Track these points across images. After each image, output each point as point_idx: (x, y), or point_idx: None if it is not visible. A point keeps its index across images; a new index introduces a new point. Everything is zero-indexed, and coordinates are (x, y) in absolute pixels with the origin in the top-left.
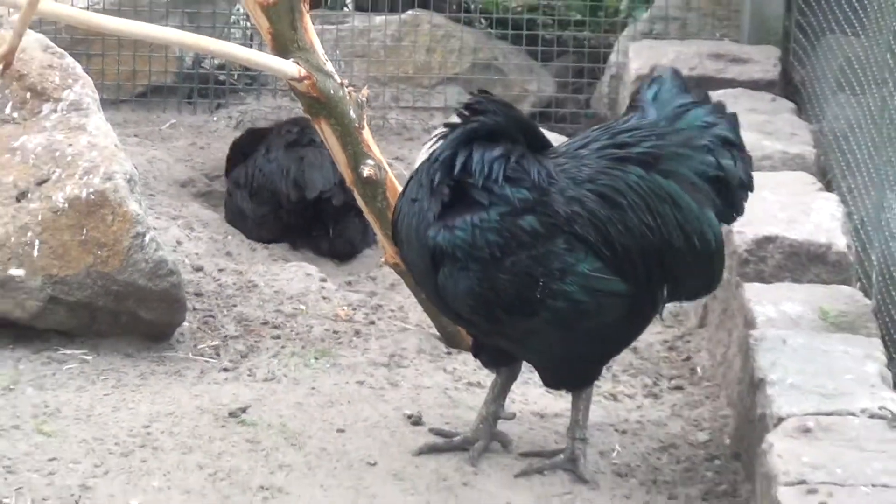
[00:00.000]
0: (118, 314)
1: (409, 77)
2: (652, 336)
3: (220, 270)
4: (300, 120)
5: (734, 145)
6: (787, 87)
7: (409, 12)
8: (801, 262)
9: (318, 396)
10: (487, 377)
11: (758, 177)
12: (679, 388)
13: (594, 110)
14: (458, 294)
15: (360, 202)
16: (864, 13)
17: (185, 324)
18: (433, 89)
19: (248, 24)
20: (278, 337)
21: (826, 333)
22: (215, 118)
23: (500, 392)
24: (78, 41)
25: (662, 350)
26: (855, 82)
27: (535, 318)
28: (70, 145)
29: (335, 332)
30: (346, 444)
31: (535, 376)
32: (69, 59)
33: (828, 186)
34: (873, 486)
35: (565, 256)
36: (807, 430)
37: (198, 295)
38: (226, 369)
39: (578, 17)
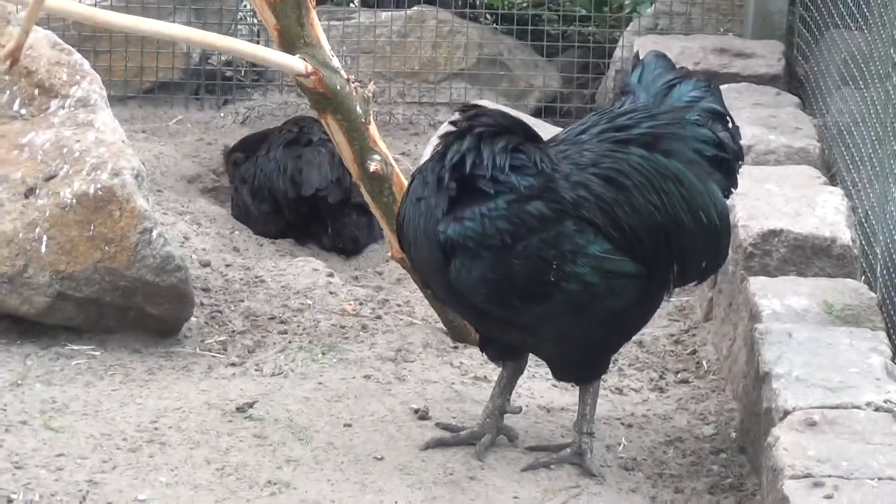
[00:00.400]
0: (126, 310)
1: (415, 73)
2: (658, 330)
3: (228, 266)
4: (300, 120)
5: (723, 116)
6: (791, 81)
7: (415, 8)
8: (805, 256)
9: (325, 391)
10: (494, 371)
11: (762, 170)
12: (685, 381)
13: (599, 105)
14: (472, 283)
15: (366, 197)
16: (867, 8)
17: (193, 319)
18: (439, 85)
19: (255, 21)
20: (285, 332)
21: (831, 327)
22: (222, 114)
23: (506, 386)
24: (86, 38)
25: (668, 344)
26: (859, 76)
27: (548, 303)
28: (78, 141)
29: (342, 326)
30: (353, 438)
31: (542, 370)
32: (77, 56)
33: (832, 180)
34: (879, 479)
35: (576, 238)
36: (812, 424)
37: (205, 290)
38: (233, 364)
39: (583, 12)
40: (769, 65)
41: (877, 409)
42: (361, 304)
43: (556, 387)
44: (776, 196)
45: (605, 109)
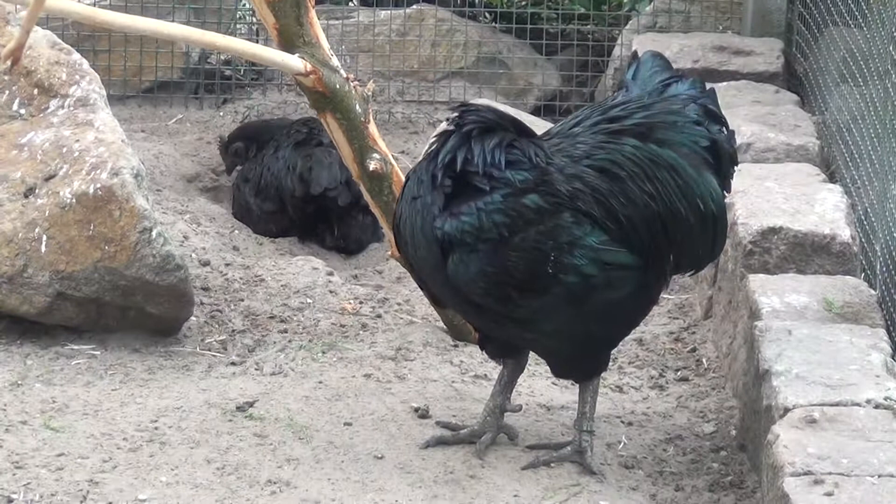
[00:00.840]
0: (126, 309)
1: (415, 71)
2: (657, 328)
3: (227, 265)
4: (309, 121)
5: (718, 117)
6: (791, 79)
7: (414, 7)
8: (805, 253)
9: (326, 390)
10: (494, 369)
11: (762, 168)
12: (685, 379)
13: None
14: (470, 278)
15: (366, 196)
16: (865, 5)
17: (193, 318)
18: (438, 83)
19: (254, 20)
20: (285, 331)
21: (831, 324)
22: (221, 113)
23: (506, 384)
24: (85, 37)
25: (668, 342)
26: (858, 74)
27: (546, 296)
28: (77, 141)
29: (342, 325)
30: (354, 437)
31: (542, 368)
32: (76, 56)
33: (831, 177)
34: (879, 476)
35: (573, 230)
36: (812, 421)
37: (205, 289)
38: (233, 363)
39: (582, 10)
40: (768, 62)
41: (877, 407)
42: (361, 302)
43: (556, 385)
44: (776, 193)
45: (597, 103)
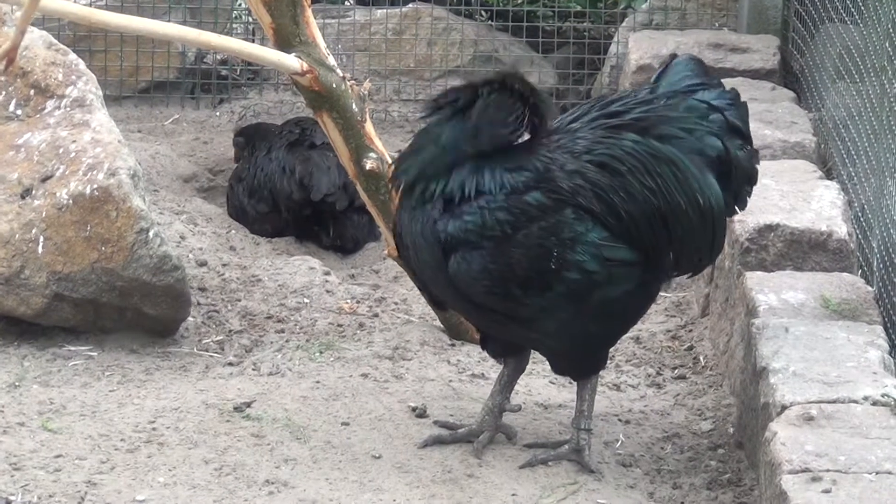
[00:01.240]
0: (123, 310)
1: (411, 70)
2: (655, 326)
3: (224, 265)
4: (301, 121)
5: (741, 133)
6: (787, 75)
7: (410, 6)
8: (802, 250)
9: (323, 390)
10: (492, 368)
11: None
12: (682, 377)
13: None
14: (473, 276)
15: (362, 195)
16: (861, 1)
17: (190, 319)
18: (434, 82)
19: (251, 19)
20: (282, 331)
21: (828, 321)
22: (218, 113)
23: (506, 384)
24: (81, 38)
25: (665, 340)
26: (854, 70)
27: (549, 293)
28: (74, 142)
29: (339, 325)
30: (351, 437)
31: (539, 367)
32: (72, 56)
33: (828, 174)
34: (877, 473)
35: (575, 225)
36: (810, 419)
37: (202, 290)
38: (230, 364)
39: (578, 8)
40: (764, 59)
41: (874, 404)
42: (358, 302)
43: (553, 384)
44: (772, 191)
45: (597, 98)
